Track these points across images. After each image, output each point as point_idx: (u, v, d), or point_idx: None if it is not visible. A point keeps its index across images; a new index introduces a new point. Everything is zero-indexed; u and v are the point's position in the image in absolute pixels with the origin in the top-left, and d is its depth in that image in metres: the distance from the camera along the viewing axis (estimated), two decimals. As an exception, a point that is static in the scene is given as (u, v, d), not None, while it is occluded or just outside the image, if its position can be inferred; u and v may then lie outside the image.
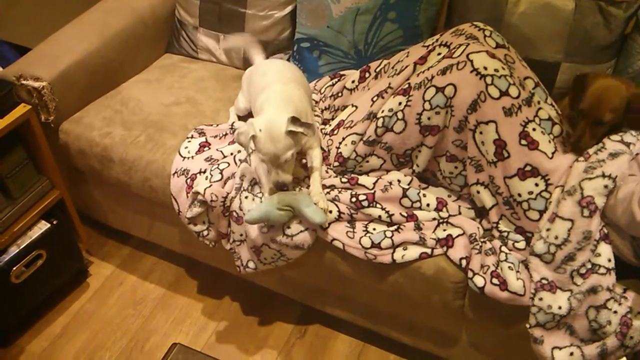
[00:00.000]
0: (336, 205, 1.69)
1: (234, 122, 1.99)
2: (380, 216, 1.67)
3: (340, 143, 1.77)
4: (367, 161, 1.76)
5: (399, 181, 1.73)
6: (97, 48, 2.10)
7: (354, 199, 1.68)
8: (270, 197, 1.64)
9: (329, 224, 1.66)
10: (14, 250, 1.95)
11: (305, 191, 1.71)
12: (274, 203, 1.63)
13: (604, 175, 1.47)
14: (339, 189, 1.73)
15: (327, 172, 1.79)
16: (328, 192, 1.72)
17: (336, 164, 1.78)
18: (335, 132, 1.82)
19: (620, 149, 1.52)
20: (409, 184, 1.73)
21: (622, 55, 1.85)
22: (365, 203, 1.67)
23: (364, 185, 1.72)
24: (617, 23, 1.80)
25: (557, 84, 1.88)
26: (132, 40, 2.21)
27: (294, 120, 1.57)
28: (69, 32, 2.15)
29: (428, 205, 1.69)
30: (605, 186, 1.47)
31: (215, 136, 1.94)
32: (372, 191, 1.70)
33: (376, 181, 1.73)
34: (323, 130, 1.89)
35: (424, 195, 1.70)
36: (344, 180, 1.74)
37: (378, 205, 1.68)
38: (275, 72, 1.86)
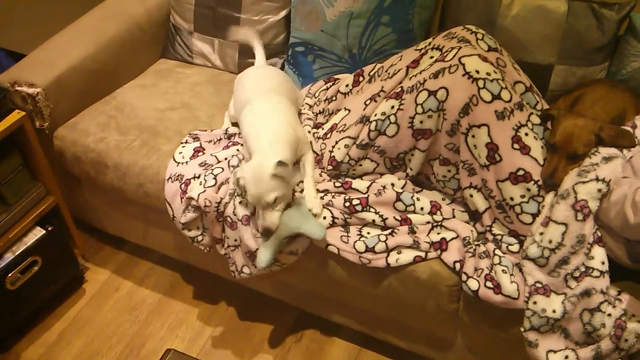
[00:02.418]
0: (330, 211, 1.68)
1: (227, 128, 1.99)
2: (374, 220, 1.67)
3: (333, 147, 1.77)
4: (361, 165, 1.76)
5: (392, 185, 1.73)
6: (91, 54, 2.10)
7: (347, 204, 1.68)
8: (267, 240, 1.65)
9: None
10: (9, 257, 1.94)
11: (297, 195, 1.71)
12: (275, 238, 1.64)
13: (597, 179, 1.47)
14: (333, 194, 1.73)
15: (320, 175, 1.79)
16: (322, 197, 1.72)
17: (329, 167, 1.78)
18: (329, 135, 1.82)
19: (614, 153, 1.51)
20: (402, 188, 1.73)
21: (615, 57, 1.85)
22: (358, 207, 1.67)
23: (357, 190, 1.72)
24: (610, 25, 1.80)
25: (551, 86, 1.88)
26: (127, 46, 2.22)
27: (281, 164, 1.58)
28: (64, 38, 2.15)
29: (422, 209, 1.69)
30: (599, 190, 1.46)
31: (210, 141, 1.94)
32: (366, 195, 1.69)
33: (370, 185, 1.72)
34: (316, 134, 1.89)
35: (418, 199, 1.69)
36: (337, 184, 1.74)
37: (372, 210, 1.68)
38: (253, 84, 1.86)
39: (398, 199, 1.68)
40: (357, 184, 1.73)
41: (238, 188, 1.68)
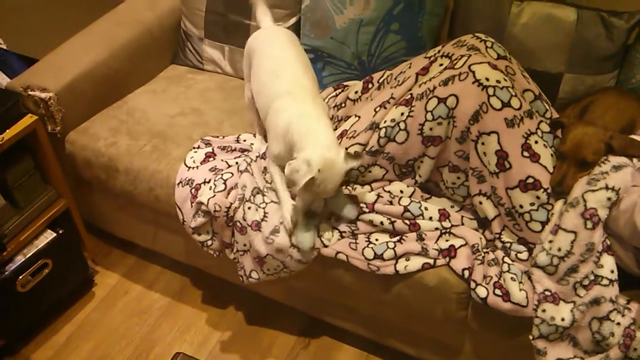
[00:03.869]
0: (337, 229, 1.69)
1: (239, 135, 1.99)
2: (382, 222, 1.67)
3: (343, 153, 1.78)
4: (370, 171, 1.76)
5: (401, 192, 1.74)
6: (103, 59, 2.13)
7: None
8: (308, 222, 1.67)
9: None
10: (20, 259, 1.96)
11: None
12: (315, 219, 1.67)
13: (607, 188, 1.47)
14: None
15: None
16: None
17: (339, 174, 1.79)
18: (338, 142, 1.83)
19: (624, 161, 1.52)
20: (411, 196, 1.74)
21: (624, 66, 1.85)
22: (366, 210, 1.68)
23: (364, 203, 1.73)
24: (619, 34, 1.80)
25: (560, 94, 1.88)
26: (139, 52, 2.24)
27: (350, 155, 1.55)
28: (76, 44, 2.17)
29: (431, 218, 1.69)
30: (609, 198, 1.47)
31: (223, 148, 1.94)
32: (373, 202, 1.70)
33: (377, 199, 1.72)
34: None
35: (426, 209, 1.70)
36: None
37: (379, 214, 1.68)
38: (292, 78, 1.74)
39: (406, 211, 1.68)
40: (364, 197, 1.73)
41: (295, 185, 1.55)
